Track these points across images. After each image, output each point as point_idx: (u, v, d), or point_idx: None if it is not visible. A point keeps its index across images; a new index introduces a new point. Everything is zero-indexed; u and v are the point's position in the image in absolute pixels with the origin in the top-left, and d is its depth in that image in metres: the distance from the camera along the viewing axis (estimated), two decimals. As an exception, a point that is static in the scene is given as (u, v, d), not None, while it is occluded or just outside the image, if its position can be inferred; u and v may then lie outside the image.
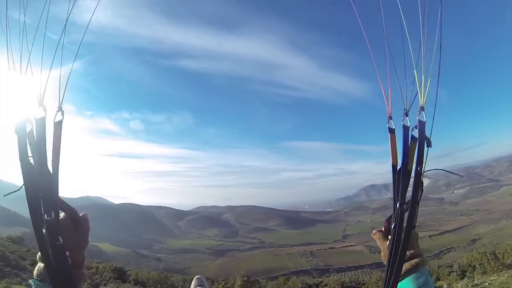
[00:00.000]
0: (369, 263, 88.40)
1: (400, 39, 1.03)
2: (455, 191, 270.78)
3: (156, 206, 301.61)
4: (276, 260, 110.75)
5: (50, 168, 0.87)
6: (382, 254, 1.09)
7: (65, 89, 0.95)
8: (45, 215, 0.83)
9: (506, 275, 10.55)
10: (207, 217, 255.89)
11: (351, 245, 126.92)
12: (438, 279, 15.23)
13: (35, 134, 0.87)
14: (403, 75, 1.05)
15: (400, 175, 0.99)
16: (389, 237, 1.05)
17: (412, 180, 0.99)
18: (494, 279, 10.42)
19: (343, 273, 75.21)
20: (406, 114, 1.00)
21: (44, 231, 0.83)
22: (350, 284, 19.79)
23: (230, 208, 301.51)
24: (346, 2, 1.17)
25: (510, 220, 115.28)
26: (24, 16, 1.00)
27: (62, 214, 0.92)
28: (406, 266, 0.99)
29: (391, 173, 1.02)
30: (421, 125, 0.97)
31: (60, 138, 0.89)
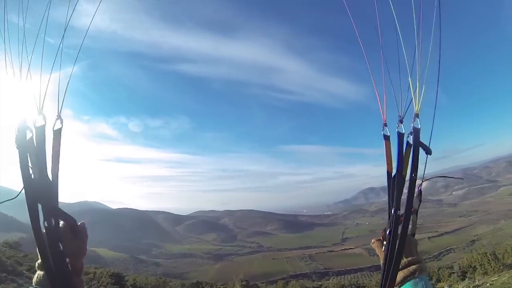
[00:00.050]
0: (368, 265, 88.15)
1: (396, 45, 1.04)
2: (454, 193, 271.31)
3: (154, 211, 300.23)
4: (275, 264, 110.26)
5: (50, 176, 0.88)
6: (381, 262, 1.10)
7: (64, 96, 0.96)
8: (45, 222, 0.84)
9: (507, 275, 10.55)
10: (205, 222, 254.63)
11: (350, 248, 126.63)
12: (438, 280, 15.23)
13: (34, 142, 0.87)
14: (397, 82, 1.06)
15: (395, 182, 1.00)
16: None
17: (408, 186, 1.00)
18: (495, 280, 10.41)
19: (343, 276, 75.24)
20: (401, 121, 1.01)
21: (44, 237, 0.84)
22: (350, 287, 19.76)
23: (228, 213, 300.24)
24: (343, 6, 1.19)
25: (509, 220, 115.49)
26: (24, 21, 1.00)
27: (61, 223, 0.93)
28: (404, 273, 0.99)
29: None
30: (416, 132, 0.98)
31: (60, 146, 0.90)
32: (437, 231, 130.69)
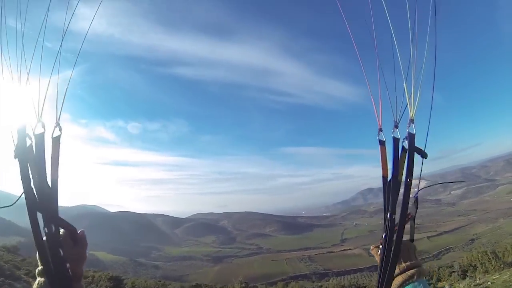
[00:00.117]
0: (368, 266, 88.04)
1: (391, 49, 1.05)
2: (452, 192, 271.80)
3: (152, 214, 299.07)
4: (275, 266, 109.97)
5: (49, 182, 0.89)
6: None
7: (63, 103, 0.96)
8: (45, 228, 0.85)
9: (508, 274, 10.55)
10: (204, 224, 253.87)
11: (350, 249, 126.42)
12: (439, 280, 15.23)
13: (34, 150, 0.88)
14: (393, 87, 1.07)
15: (390, 186, 1.01)
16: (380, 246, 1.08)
17: (403, 192, 1.01)
18: (496, 278, 10.40)
19: (342, 276, 75.08)
20: (396, 126, 1.03)
21: (45, 243, 0.85)
22: (350, 287, 19.72)
23: (227, 215, 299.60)
24: (339, 9, 1.20)
25: (508, 219, 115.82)
26: (22, 25, 0.99)
27: (61, 230, 0.94)
28: (403, 277, 1.01)
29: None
30: (411, 137, 1.00)
31: (59, 153, 0.91)
32: (436, 231, 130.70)
